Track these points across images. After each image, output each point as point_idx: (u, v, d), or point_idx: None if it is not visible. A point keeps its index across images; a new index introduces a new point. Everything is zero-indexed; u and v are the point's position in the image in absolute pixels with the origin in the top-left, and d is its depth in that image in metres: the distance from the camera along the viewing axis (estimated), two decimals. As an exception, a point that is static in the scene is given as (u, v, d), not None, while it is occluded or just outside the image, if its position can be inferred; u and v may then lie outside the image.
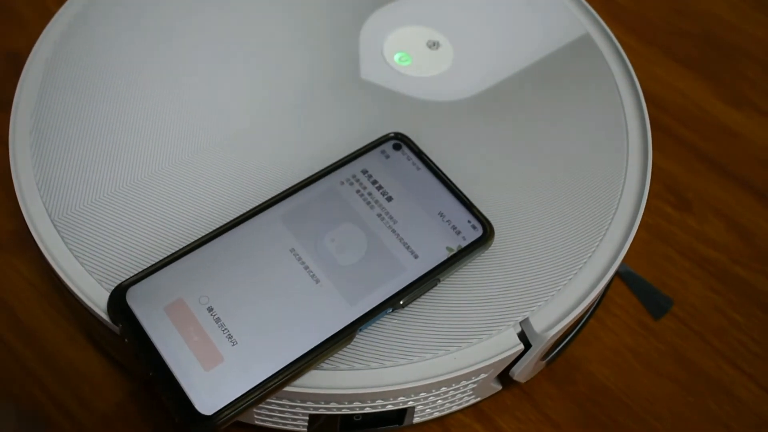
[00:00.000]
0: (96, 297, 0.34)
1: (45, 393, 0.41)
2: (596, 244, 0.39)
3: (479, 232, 0.37)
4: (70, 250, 0.36)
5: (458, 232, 0.36)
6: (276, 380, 0.31)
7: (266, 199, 0.37)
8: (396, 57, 0.45)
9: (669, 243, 0.51)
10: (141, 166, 0.39)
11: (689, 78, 0.61)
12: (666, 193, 0.53)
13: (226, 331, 0.32)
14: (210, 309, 0.33)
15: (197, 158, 0.39)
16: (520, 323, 0.36)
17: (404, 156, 0.39)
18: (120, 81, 0.42)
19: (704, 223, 0.52)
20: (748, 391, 0.45)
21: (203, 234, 0.36)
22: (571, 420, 0.43)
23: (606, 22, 0.49)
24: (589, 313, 0.43)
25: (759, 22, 0.65)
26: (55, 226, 0.36)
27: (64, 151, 0.39)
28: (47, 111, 0.40)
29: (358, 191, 0.37)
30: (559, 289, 0.37)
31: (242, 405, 0.31)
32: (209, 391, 0.31)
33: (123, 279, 0.35)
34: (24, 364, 0.42)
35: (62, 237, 0.36)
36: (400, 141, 0.39)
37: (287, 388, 0.32)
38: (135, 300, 0.33)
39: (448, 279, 0.36)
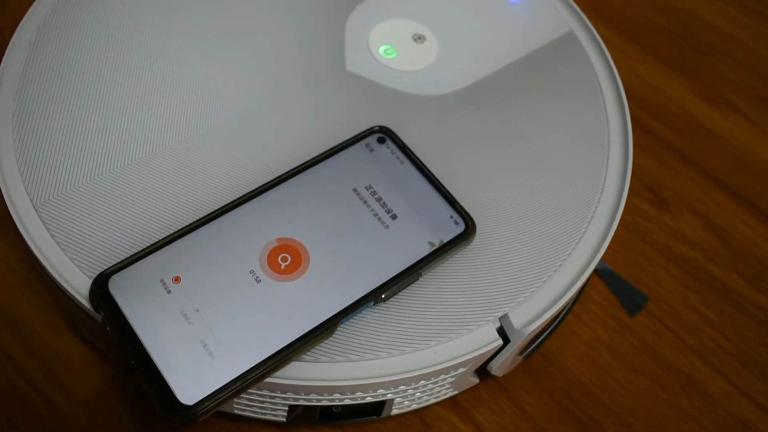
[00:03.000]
0: (78, 284, 0.34)
1: (23, 377, 0.41)
2: (575, 242, 0.39)
3: (461, 228, 0.37)
4: (52, 236, 0.36)
5: (441, 228, 0.37)
6: (258, 371, 0.32)
7: (249, 190, 0.37)
8: (381, 49, 0.45)
9: (645, 240, 0.51)
10: (126, 153, 0.39)
11: (669, 76, 0.61)
12: (643, 191, 0.54)
13: (208, 322, 0.32)
14: (192, 298, 0.33)
15: (182, 147, 0.39)
16: (500, 319, 0.36)
17: (388, 149, 0.39)
18: (105, 66, 0.42)
19: (680, 221, 0.53)
20: (720, 388, 0.46)
21: (187, 223, 0.36)
22: (546, 413, 0.43)
23: (588, 17, 0.50)
24: (566, 309, 0.44)
25: (740, 22, 0.66)
26: (37, 211, 0.36)
27: (48, 136, 0.39)
28: (30, 95, 0.40)
29: (342, 184, 0.37)
30: (539, 286, 0.37)
31: (223, 395, 0.31)
32: (191, 381, 0.31)
33: (105, 267, 0.35)
34: (2, 347, 0.42)
35: (44, 223, 0.36)
36: (385, 134, 0.40)
37: (268, 379, 0.33)
38: (118, 288, 0.33)
39: (429, 273, 0.37)
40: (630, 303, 0.48)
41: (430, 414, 0.42)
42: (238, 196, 0.37)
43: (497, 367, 0.38)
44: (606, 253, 0.50)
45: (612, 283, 0.49)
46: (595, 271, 0.49)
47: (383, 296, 0.35)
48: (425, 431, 0.42)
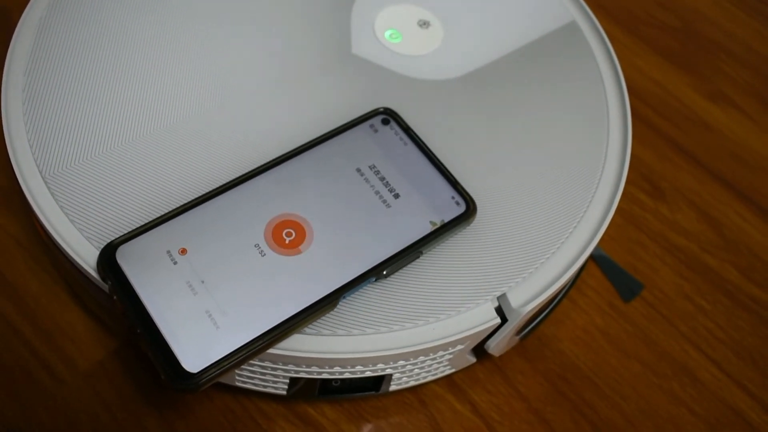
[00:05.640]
0: (86, 254, 0.35)
1: (28, 348, 0.42)
2: (574, 225, 0.40)
3: (462, 208, 0.38)
4: (61, 207, 0.36)
5: (442, 208, 0.37)
6: (261, 341, 0.32)
7: (255, 166, 0.38)
8: (387, 34, 0.45)
9: (642, 229, 0.52)
10: (134, 126, 0.39)
11: (668, 70, 0.62)
12: (641, 181, 0.55)
13: (213, 293, 0.33)
14: (198, 270, 0.34)
15: (189, 124, 0.40)
16: (498, 298, 0.37)
17: (392, 131, 0.40)
18: (115, 42, 0.42)
19: (676, 212, 0.53)
20: (711, 375, 0.46)
21: (194, 197, 0.37)
22: (540, 395, 0.44)
23: (590, 10, 0.50)
24: (562, 292, 0.44)
25: (739, 19, 0.67)
26: (46, 183, 0.37)
27: (57, 110, 0.39)
28: (40, 69, 0.40)
29: (346, 163, 0.38)
30: (537, 267, 0.38)
31: (227, 364, 0.32)
32: (196, 349, 0.32)
33: (113, 237, 0.35)
34: (7, 318, 0.43)
35: (53, 194, 0.37)
36: (389, 116, 0.40)
37: (271, 350, 0.33)
38: (125, 258, 0.34)
39: (430, 252, 0.37)
40: (625, 290, 0.49)
41: (426, 392, 0.43)
42: (244, 172, 0.37)
43: (494, 346, 0.39)
44: (603, 240, 0.51)
45: (608, 269, 0.49)
46: (592, 257, 0.50)
47: (385, 273, 0.35)
48: (422, 409, 0.43)
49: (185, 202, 0.36)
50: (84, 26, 0.43)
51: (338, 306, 0.35)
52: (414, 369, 0.38)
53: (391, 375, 0.38)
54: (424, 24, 0.46)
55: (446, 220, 0.37)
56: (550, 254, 0.39)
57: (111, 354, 0.42)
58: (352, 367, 0.36)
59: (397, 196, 0.37)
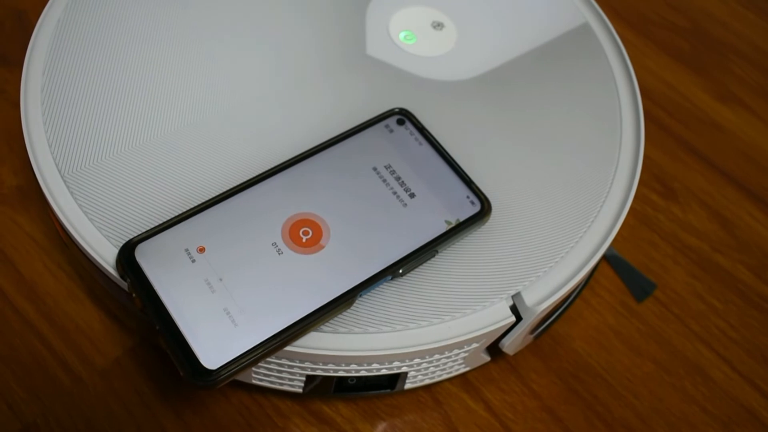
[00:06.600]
0: (105, 253, 0.35)
1: (45, 346, 0.42)
2: (587, 225, 0.40)
3: (477, 208, 0.38)
4: (80, 206, 0.37)
5: (457, 207, 0.38)
6: (278, 339, 0.33)
7: (272, 166, 0.38)
8: (401, 35, 0.46)
9: (654, 229, 0.52)
10: (152, 125, 0.40)
11: (679, 72, 0.62)
12: (653, 182, 0.55)
13: (231, 291, 0.33)
14: (216, 268, 0.34)
15: (207, 124, 0.40)
16: (513, 297, 0.37)
17: (407, 131, 0.40)
18: (133, 41, 0.43)
19: (688, 212, 0.54)
20: (723, 374, 0.47)
21: (211, 196, 0.37)
22: (554, 393, 0.44)
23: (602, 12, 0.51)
24: (576, 292, 0.45)
25: (748, 20, 0.67)
26: (65, 182, 0.37)
27: (76, 110, 0.40)
28: (59, 70, 0.41)
29: (362, 162, 0.38)
30: (551, 267, 0.38)
31: (245, 361, 0.32)
32: (214, 346, 0.32)
33: (131, 236, 0.35)
34: (24, 317, 0.43)
35: (72, 193, 0.37)
36: (404, 116, 0.41)
37: (288, 348, 0.34)
38: (144, 256, 0.34)
39: (446, 251, 0.38)
40: (638, 289, 0.49)
41: (441, 391, 0.44)
42: (260, 172, 0.38)
43: (509, 345, 0.39)
44: (615, 240, 0.51)
45: (620, 269, 0.50)
46: (605, 257, 0.50)
47: (401, 271, 0.36)
48: (436, 407, 0.43)
49: (203, 200, 0.37)
50: (102, 26, 0.43)
51: (354, 304, 0.35)
52: (429, 367, 0.38)
53: (406, 373, 0.38)
54: (438, 25, 0.47)
55: (461, 220, 0.37)
56: (564, 254, 0.39)
57: (127, 352, 0.43)
58: (368, 364, 0.36)
59: (412, 195, 0.38)
